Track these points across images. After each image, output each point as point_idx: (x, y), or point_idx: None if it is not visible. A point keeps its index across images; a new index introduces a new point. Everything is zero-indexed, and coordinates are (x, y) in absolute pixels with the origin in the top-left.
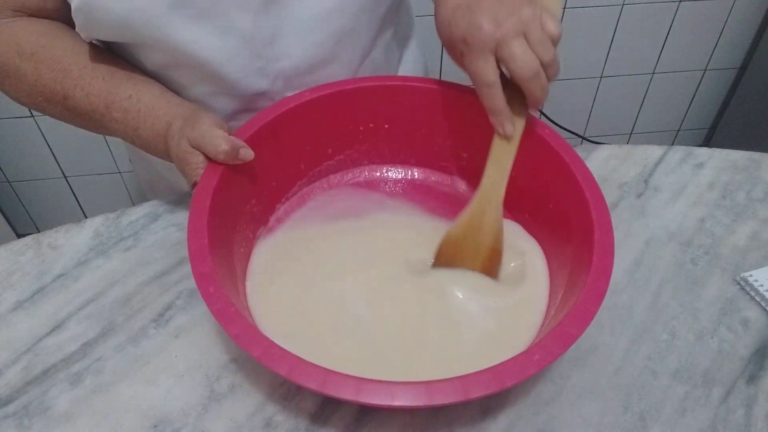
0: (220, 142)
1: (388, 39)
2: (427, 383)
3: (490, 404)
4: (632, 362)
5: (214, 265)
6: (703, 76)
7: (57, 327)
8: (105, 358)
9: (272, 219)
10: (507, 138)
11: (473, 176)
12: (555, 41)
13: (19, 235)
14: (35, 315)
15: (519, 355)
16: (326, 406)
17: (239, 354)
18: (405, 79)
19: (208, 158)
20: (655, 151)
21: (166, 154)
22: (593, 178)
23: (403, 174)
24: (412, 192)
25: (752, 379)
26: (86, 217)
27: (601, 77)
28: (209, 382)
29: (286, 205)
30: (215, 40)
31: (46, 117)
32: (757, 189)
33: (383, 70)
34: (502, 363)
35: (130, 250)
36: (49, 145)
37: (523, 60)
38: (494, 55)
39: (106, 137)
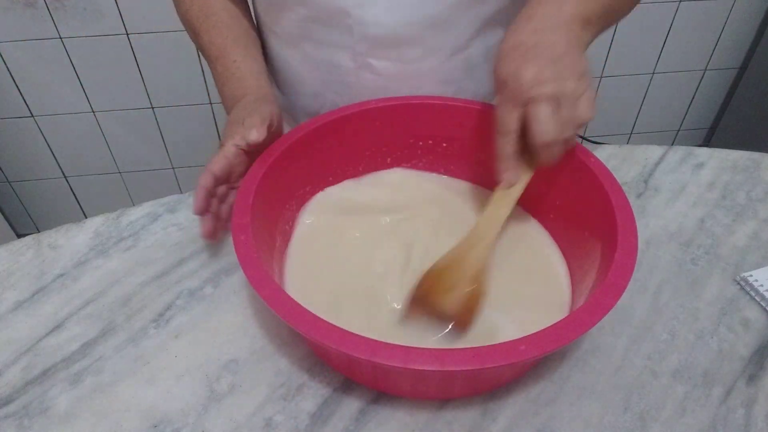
0: (246, 133)
1: (492, 43)
2: (407, 348)
3: (490, 404)
4: (632, 362)
5: (253, 221)
6: (703, 76)
7: (57, 327)
8: (105, 358)
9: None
10: (508, 185)
11: (526, 201)
12: (582, 124)
13: (19, 235)
14: (35, 315)
15: (505, 342)
16: (326, 406)
17: (239, 354)
18: (467, 102)
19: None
20: (655, 151)
21: (228, 112)
22: (631, 211)
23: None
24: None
25: (752, 379)
26: (86, 217)
27: (601, 77)
28: (209, 382)
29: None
30: None
31: (46, 117)
32: (757, 189)
33: (480, 72)
34: (488, 345)
35: (130, 250)
36: (49, 145)
37: (543, 127)
38: (523, 108)
39: (107, 138)
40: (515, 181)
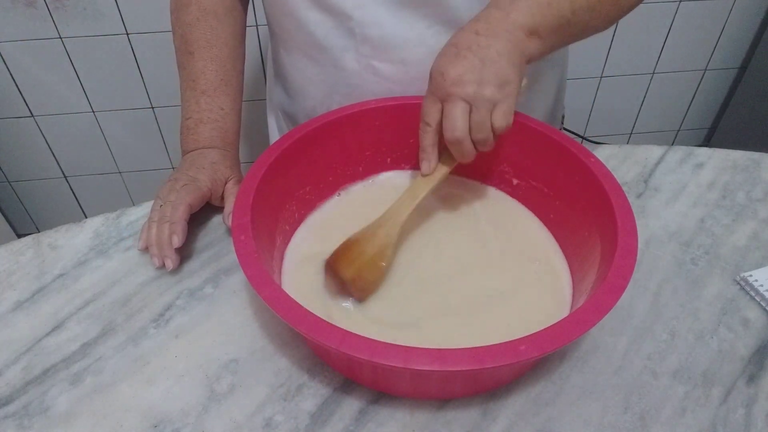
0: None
1: None
2: (407, 348)
3: (490, 404)
4: (632, 362)
5: (253, 221)
6: (703, 76)
7: (57, 327)
8: (105, 358)
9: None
10: (423, 174)
11: (527, 201)
12: (496, 130)
13: (19, 235)
14: (35, 315)
15: (505, 342)
16: (326, 406)
17: (239, 354)
18: None
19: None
20: (655, 151)
21: (181, 148)
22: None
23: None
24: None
25: (752, 379)
26: (86, 217)
27: (601, 77)
28: (209, 382)
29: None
30: None
31: (46, 117)
32: (757, 189)
33: None
34: (488, 346)
35: (130, 250)
36: (49, 145)
37: (453, 124)
38: (442, 103)
39: (107, 138)
40: (429, 172)
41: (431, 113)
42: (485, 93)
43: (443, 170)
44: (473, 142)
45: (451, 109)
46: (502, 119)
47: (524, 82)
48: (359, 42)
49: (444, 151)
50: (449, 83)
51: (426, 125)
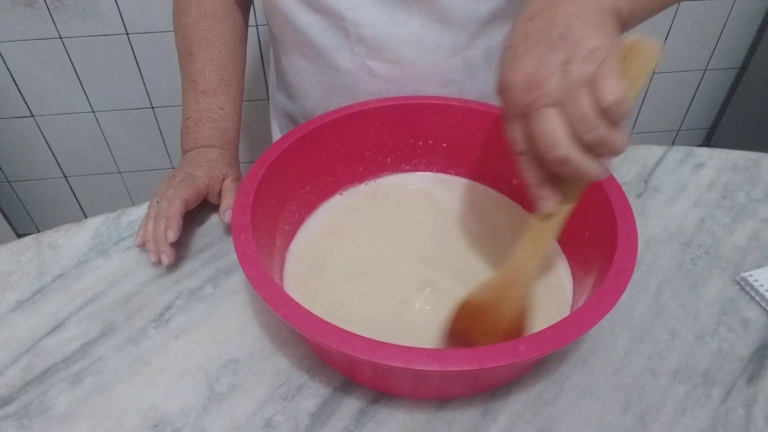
0: (174, 202)
1: (493, 43)
2: (407, 349)
3: (490, 404)
4: (632, 362)
5: (253, 221)
6: (703, 76)
7: (57, 327)
8: (105, 358)
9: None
10: (542, 216)
11: (521, 198)
12: (610, 112)
13: (19, 235)
14: (35, 315)
15: (506, 343)
16: (326, 406)
17: (239, 354)
18: (467, 101)
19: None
20: (655, 151)
21: (181, 148)
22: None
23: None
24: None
25: (752, 379)
26: (86, 217)
27: None
28: (209, 382)
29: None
30: None
31: (46, 117)
32: (757, 189)
33: (482, 74)
34: (488, 346)
35: (130, 250)
36: (49, 145)
37: (548, 141)
38: (523, 119)
39: (107, 138)
40: (550, 210)
41: (517, 138)
42: (572, 76)
43: (566, 207)
44: (589, 149)
45: (538, 123)
46: (611, 90)
47: (658, 46)
48: (353, 42)
49: (559, 179)
50: (520, 92)
51: (520, 155)
